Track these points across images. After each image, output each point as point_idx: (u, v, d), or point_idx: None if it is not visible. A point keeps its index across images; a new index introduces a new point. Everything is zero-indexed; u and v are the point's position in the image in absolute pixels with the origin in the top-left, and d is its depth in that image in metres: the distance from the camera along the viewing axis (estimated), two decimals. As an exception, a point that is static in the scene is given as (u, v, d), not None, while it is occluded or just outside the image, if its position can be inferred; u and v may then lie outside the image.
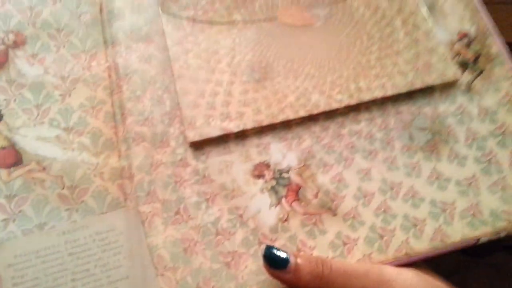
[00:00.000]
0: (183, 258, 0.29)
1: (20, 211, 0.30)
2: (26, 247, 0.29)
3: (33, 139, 0.32)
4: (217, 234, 0.30)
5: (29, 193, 0.31)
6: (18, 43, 0.35)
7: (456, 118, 0.33)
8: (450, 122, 0.33)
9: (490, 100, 0.34)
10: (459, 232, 0.30)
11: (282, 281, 0.28)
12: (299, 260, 0.27)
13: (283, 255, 0.27)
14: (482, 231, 0.30)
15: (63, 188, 0.31)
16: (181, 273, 0.29)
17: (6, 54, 0.35)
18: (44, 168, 0.31)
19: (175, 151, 0.32)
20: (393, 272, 0.28)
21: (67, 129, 0.33)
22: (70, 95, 0.34)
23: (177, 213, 0.31)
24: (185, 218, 0.30)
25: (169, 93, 0.34)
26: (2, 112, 0.33)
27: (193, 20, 0.36)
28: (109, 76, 0.35)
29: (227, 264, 0.29)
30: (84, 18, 0.37)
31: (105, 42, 0.36)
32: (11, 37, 0.36)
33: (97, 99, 0.34)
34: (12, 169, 0.31)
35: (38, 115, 0.33)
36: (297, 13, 0.37)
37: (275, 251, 0.28)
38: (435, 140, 0.33)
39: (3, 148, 0.32)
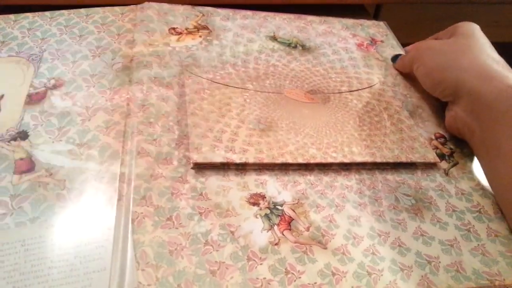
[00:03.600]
0: (168, 258, 0.28)
1: (19, 207, 0.30)
2: (14, 236, 0.28)
3: (48, 153, 0.34)
4: (206, 244, 0.29)
5: (31, 193, 0.31)
6: (56, 86, 0.40)
7: (437, 192, 0.36)
8: (432, 195, 0.36)
9: (465, 185, 0.38)
10: (445, 283, 0.30)
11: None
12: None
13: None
14: (466, 285, 0.30)
15: (63, 189, 0.31)
16: (163, 272, 0.27)
17: (45, 93, 0.39)
18: (51, 174, 0.32)
19: (177, 169, 0.33)
20: None
21: (80, 145, 0.34)
22: (90, 120, 0.36)
23: (168, 219, 0.30)
24: (176, 225, 0.30)
25: (180, 125, 0.37)
26: (29, 133, 0.35)
27: (211, 80, 0.41)
28: (127, 104, 0.38)
29: (213, 272, 0.28)
30: (116, 67, 0.42)
31: (129, 81, 0.40)
32: (52, 82, 0.40)
33: (112, 121, 0.36)
34: (23, 175, 0.32)
35: (58, 135, 0.35)
36: (300, 93, 0.43)
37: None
38: (419, 205, 0.35)
39: (21, 159, 0.33)
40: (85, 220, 0.29)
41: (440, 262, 0.31)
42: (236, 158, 0.34)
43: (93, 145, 0.34)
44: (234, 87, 0.41)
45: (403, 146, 0.39)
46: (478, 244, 0.33)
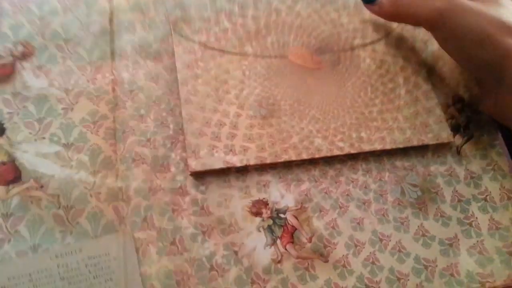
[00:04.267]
0: (175, 290, 0.29)
1: (15, 231, 0.29)
2: (19, 269, 0.27)
3: (33, 155, 0.31)
4: (211, 269, 0.30)
5: (25, 212, 0.29)
6: (25, 55, 0.34)
7: (445, 179, 0.35)
8: (439, 182, 0.35)
9: (476, 165, 0.36)
10: (438, 290, 0.32)
11: (373, 12, 0.38)
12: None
13: None
14: (458, 292, 0.32)
15: (59, 208, 0.30)
16: (172, 306, 0.29)
17: (12, 65, 0.34)
18: (42, 186, 0.30)
19: (175, 178, 0.32)
20: None
21: (67, 146, 0.32)
22: (72, 109, 0.33)
23: (172, 243, 0.30)
24: (181, 249, 0.30)
25: (174, 116, 0.34)
26: (5, 125, 0.32)
27: (205, 45, 0.36)
28: (113, 90, 0.34)
29: (219, 301, 0.29)
30: (93, 29, 0.36)
31: (112, 54, 0.35)
32: (20, 48, 0.34)
33: (99, 114, 0.33)
34: (10, 186, 0.30)
35: (39, 129, 0.32)
36: (306, 55, 0.38)
37: None
38: (424, 198, 0.34)
39: (4, 163, 0.30)
40: (87, 249, 0.29)
41: (436, 266, 0.32)
42: (237, 161, 0.32)
43: (81, 147, 0.32)
44: (231, 53, 0.36)
45: (416, 124, 0.36)
46: (477, 241, 0.33)
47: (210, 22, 0.37)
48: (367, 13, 0.40)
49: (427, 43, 0.40)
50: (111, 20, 0.37)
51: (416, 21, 0.35)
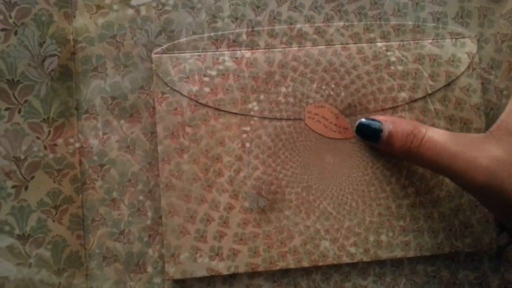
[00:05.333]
0: None
1: None
2: None
3: None
4: None
5: None
6: None
7: (473, 289, 0.30)
8: (464, 294, 0.30)
9: (516, 273, 0.30)
10: None
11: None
12: (392, 130, 0.27)
13: (375, 131, 0.27)
14: None
15: None
16: None
17: None
18: None
19: (152, 280, 0.28)
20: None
21: (22, 238, 0.27)
22: (26, 188, 0.27)
23: None
24: None
25: (153, 200, 0.28)
26: None
27: (196, 101, 0.27)
28: (80, 163, 0.27)
29: None
30: (50, 66, 0.27)
31: (77, 108, 0.27)
32: None
33: (62, 196, 0.27)
34: None
35: None
36: (330, 116, 0.28)
37: (368, 125, 0.28)
38: (441, 313, 0.29)
39: None
40: None
41: None
42: (224, 268, 0.27)
43: (41, 239, 0.27)
44: (230, 113, 0.28)
45: (454, 224, 0.28)
46: None
47: (205, 58, 0.28)
48: (426, 41, 0.29)
49: (503, 91, 0.29)
50: (73, 53, 0.27)
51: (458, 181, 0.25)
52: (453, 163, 0.24)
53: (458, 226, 0.29)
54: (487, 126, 0.29)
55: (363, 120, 0.28)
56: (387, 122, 0.27)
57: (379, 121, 0.27)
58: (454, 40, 0.29)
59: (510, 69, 0.30)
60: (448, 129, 0.29)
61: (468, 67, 0.29)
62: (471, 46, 0.29)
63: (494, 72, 0.30)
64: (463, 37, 0.29)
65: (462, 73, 0.29)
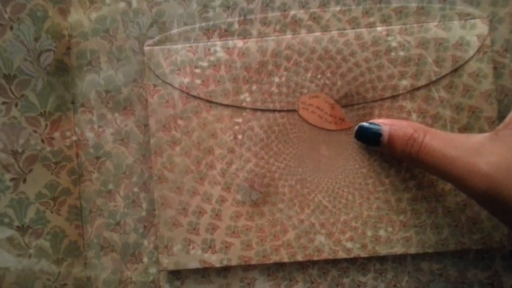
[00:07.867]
0: None
1: None
2: None
3: None
4: None
5: None
6: None
7: (483, 289, 0.28)
8: (473, 293, 0.28)
9: (533, 274, 0.27)
10: None
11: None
12: (392, 133, 0.25)
13: (375, 135, 0.26)
14: None
15: None
16: None
17: None
18: None
19: (148, 270, 0.28)
20: None
21: (22, 229, 0.28)
22: (25, 181, 0.28)
23: None
24: None
25: (147, 192, 0.28)
26: None
27: (187, 93, 0.27)
28: (77, 155, 0.28)
29: None
30: (45, 58, 0.28)
31: (73, 102, 0.28)
32: None
33: (60, 188, 0.28)
34: None
35: None
36: (325, 106, 0.27)
37: (367, 129, 0.27)
38: (448, 312, 0.28)
39: None
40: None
41: None
42: (216, 261, 0.27)
43: (40, 230, 0.28)
44: (221, 104, 0.27)
45: (461, 220, 0.27)
46: None
47: (197, 49, 0.27)
48: (432, 22, 0.27)
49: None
50: (68, 48, 0.28)
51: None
52: (452, 168, 0.23)
53: (465, 222, 0.27)
54: (500, 114, 0.27)
55: (361, 124, 0.27)
56: (386, 125, 0.26)
57: (378, 125, 0.26)
58: (462, 21, 0.27)
59: (529, 51, 0.27)
60: (454, 118, 0.27)
61: (478, 50, 0.27)
62: (482, 27, 0.27)
63: (509, 55, 0.27)
64: (473, 18, 0.27)
65: (471, 58, 0.27)
